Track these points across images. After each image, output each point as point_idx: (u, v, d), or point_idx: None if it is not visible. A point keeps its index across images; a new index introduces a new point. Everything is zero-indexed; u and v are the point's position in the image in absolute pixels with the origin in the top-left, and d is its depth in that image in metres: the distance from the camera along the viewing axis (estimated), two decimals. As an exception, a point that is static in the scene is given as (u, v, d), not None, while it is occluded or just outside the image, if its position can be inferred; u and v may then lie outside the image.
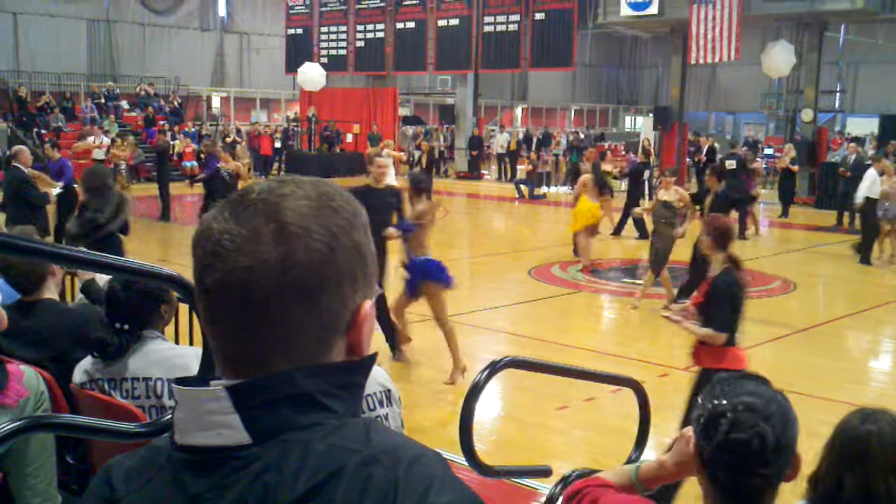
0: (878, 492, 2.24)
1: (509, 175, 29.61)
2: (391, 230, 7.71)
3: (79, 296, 5.04)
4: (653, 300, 10.95)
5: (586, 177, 13.41)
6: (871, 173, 14.58)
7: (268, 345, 1.01)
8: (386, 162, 8.42)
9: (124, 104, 29.76)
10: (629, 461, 3.33)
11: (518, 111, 45.48)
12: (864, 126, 35.71)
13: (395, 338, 8.15)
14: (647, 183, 19.56)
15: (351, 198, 1.09)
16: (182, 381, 1.05)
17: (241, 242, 0.99)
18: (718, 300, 5.14)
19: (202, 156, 21.20)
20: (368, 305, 1.06)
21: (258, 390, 1.00)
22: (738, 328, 5.23)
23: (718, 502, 1.81)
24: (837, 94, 37.24)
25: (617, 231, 16.74)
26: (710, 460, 1.78)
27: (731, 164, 18.81)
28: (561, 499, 2.11)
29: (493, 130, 34.66)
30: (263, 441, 0.98)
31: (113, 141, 24.82)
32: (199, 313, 1.07)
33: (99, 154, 22.44)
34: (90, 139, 23.86)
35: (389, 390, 2.54)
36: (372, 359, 1.10)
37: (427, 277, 7.73)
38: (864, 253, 14.33)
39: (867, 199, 14.32)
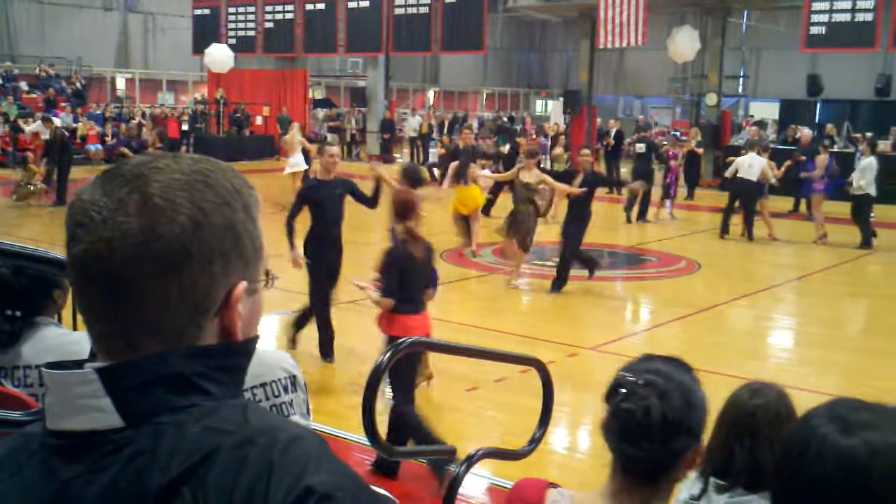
0: (764, 461, 2.32)
1: (422, 158, 29.59)
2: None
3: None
4: (573, 282, 11.07)
5: (454, 164, 13.54)
6: (759, 159, 15.18)
7: (133, 321, 0.99)
8: (337, 151, 7.95)
9: (23, 85, 28.72)
10: (533, 440, 3.37)
11: (430, 94, 45.44)
12: (767, 110, 36.71)
13: (328, 341, 7.75)
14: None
15: (235, 177, 1.06)
16: (55, 366, 1.02)
17: (106, 214, 0.97)
18: (386, 269, 5.57)
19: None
20: (242, 287, 1.04)
21: (130, 372, 0.97)
22: (412, 297, 5.60)
23: (616, 472, 1.85)
24: (741, 80, 38.21)
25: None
26: (605, 426, 1.83)
27: (640, 147, 19.19)
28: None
29: (405, 113, 34.58)
30: (137, 424, 0.96)
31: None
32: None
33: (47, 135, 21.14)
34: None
35: (294, 376, 2.50)
36: (253, 342, 1.08)
37: None
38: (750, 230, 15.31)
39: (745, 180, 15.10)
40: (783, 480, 1.42)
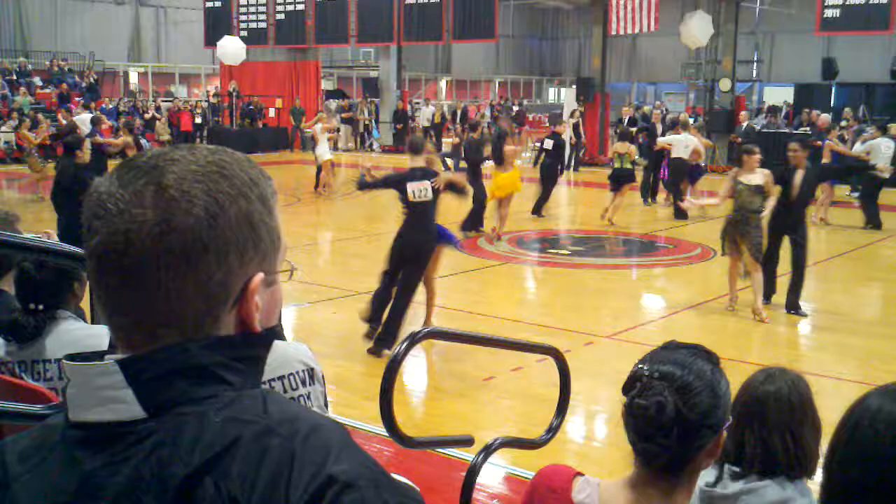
0: (775, 448, 2.31)
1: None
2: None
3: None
4: (582, 269, 11.05)
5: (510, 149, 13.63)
6: (692, 138, 16.20)
7: (150, 312, 0.99)
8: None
9: (37, 80, 28.82)
10: (550, 429, 3.37)
11: (442, 84, 45.33)
12: (781, 95, 36.48)
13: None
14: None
15: (252, 168, 1.06)
16: (75, 357, 1.02)
17: (122, 206, 0.98)
18: None
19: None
20: (259, 279, 1.04)
21: (151, 363, 0.98)
22: None
23: (637, 462, 1.84)
24: (755, 64, 37.95)
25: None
26: (623, 419, 1.82)
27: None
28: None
29: (418, 103, 34.51)
30: (158, 415, 0.96)
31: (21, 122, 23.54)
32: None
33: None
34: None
35: (313, 369, 2.50)
36: (272, 332, 1.08)
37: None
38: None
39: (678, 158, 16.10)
40: (836, 458, 1.38)
